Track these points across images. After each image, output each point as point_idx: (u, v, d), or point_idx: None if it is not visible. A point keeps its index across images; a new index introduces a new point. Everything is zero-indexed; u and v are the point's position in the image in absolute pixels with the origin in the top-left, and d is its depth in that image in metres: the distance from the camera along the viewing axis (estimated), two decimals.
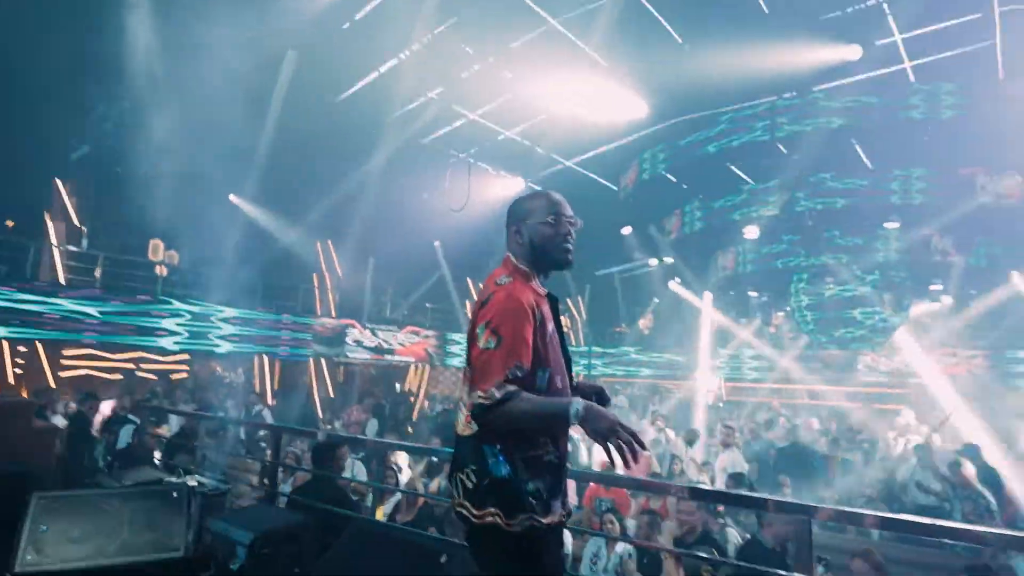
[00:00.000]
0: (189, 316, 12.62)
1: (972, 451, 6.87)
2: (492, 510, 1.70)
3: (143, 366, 13.53)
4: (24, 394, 10.23)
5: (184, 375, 14.14)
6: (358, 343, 15.10)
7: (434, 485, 6.54)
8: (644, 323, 23.61)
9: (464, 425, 1.76)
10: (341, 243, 16.46)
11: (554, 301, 1.95)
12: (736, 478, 5.47)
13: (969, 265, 15.20)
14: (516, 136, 14.15)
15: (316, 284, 16.62)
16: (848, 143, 14.26)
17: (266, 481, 4.64)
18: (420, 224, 15.71)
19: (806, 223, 15.66)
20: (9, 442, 4.46)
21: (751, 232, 16.31)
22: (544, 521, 1.75)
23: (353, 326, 15.10)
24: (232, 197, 14.40)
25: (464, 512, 1.75)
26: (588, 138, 14.29)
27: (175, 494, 3.72)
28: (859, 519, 2.95)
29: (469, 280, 21.25)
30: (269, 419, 9.48)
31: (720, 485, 6.61)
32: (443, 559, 2.65)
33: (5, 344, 10.97)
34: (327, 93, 12.26)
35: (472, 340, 1.75)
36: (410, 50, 10.79)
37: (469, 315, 1.79)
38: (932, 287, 16.06)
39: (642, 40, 10.17)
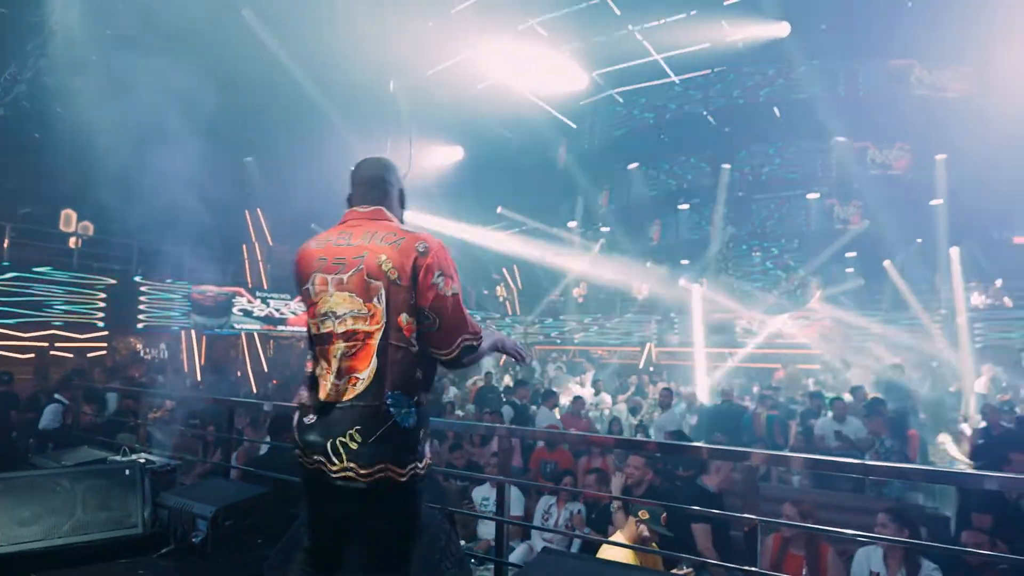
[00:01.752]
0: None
1: (878, 402, 7.60)
2: (383, 464, 1.68)
3: (57, 344, 12.75)
4: None
5: (102, 352, 13.43)
6: (246, 313, 13.83)
7: None
8: (578, 292, 24.16)
9: (351, 385, 1.71)
10: (275, 212, 15.91)
11: None
12: (676, 435, 5.84)
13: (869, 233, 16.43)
14: (455, 104, 14.00)
15: (245, 255, 16.06)
16: (771, 116, 15.01)
17: (219, 455, 4.58)
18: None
19: (735, 194, 16.42)
20: None
21: (683, 204, 16.92)
22: (429, 463, 1.82)
23: (240, 294, 13.78)
24: (157, 164, 13.59)
25: (350, 474, 1.67)
26: (530, 109, 14.36)
27: (127, 472, 3.66)
28: (788, 461, 3.27)
29: None
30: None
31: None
32: None
33: None
34: (266, 52, 11.59)
35: (426, 288, 1.73)
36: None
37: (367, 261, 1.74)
38: (847, 255, 17.22)
39: (582, 12, 10.24)
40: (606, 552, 3.36)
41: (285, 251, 16.98)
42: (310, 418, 1.77)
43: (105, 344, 13.59)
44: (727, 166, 15.63)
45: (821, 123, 14.89)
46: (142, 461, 4.12)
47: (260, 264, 16.12)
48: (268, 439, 5.16)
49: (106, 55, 9.40)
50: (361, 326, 1.73)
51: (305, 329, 1.92)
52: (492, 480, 3.30)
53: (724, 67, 13.78)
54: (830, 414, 7.18)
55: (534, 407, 8.87)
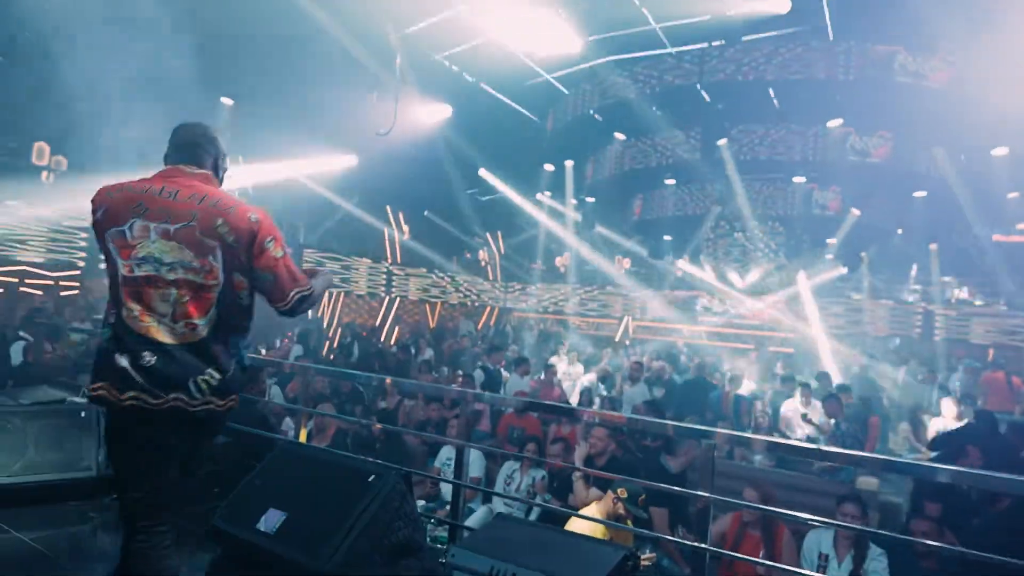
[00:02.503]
0: None
1: (841, 388, 7.77)
2: (232, 396, 2.01)
3: (28, 281, 12.45)
4: None
5: (75, 292, 13.16)
6: None
7: None
8: (561, 261, 24.13)
9: (189, 330, 1.92)
10: (254, 159, 15.50)
11: None
12: (650, 405, 5.89)
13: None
14: (445, 60, 13.62)
15: None
16: (764, 96, 14.84)
17: None
18: (339, 145, 14.98)
19: (724, 172, 16.34)
20: None
21: (670, 179, 16.81)
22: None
23: None
24: (130, 100, 13.11)
25: (211, 407, 1.94)
26: (519, 69, 14.00)
27: (83, 414, 3.59)
28: (750, 443, 3.29)
29: (388, 208, 20.76)
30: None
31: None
32: (371, 479, 2.73)
33: None
34: None
35: (259, 252, 1.98)
36: None
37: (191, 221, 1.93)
38: (828, 240, 17.36)
39: None
40: (575, 524, 3.39)
41: (265, 198, 16.66)
42: (149, 359, 1.87)
43: (78, 284, 13.31)
44: (723, 141, 15.42)
45: (810, 106, 14.80)
46: None
47: None
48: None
49: None
50: (195, 278, 1.93)
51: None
52: (452, 443, 3.29)
53: (722, 41, 13.52)
54: (797, 398, 7.31)
55: (507, 373, 8.90)
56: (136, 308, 1.89)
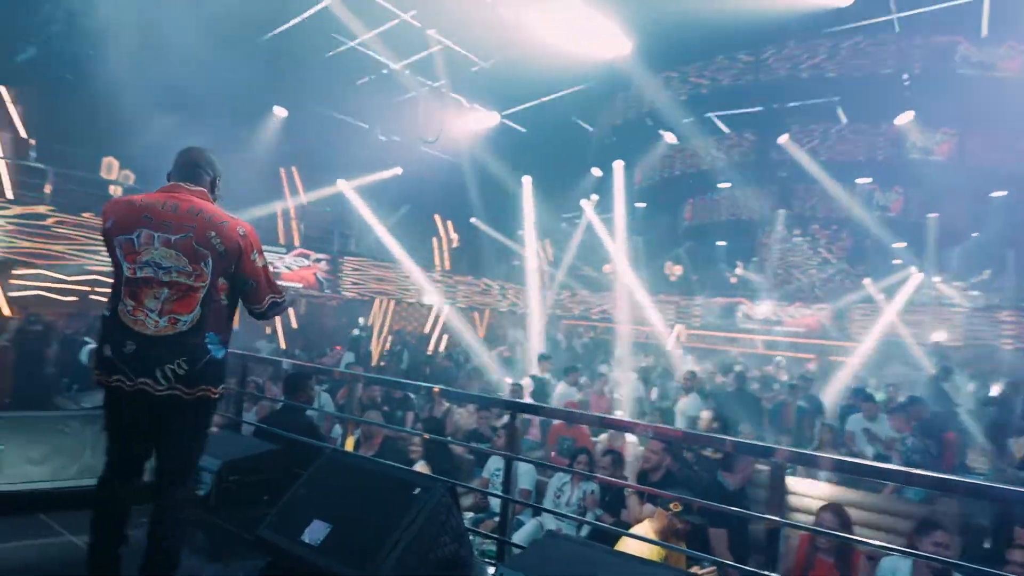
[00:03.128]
0: None
1: (913, 401, 7.26)
2: (204, 386, 2.22)
3: (98, 289, 13.05)
4: None
5: None
6: None
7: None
8: (609, 268, 23.79)
9: (171, 324, 2.17)
10: (306, 170, 15.88)
11: None
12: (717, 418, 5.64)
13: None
14: (490, 67, 13.61)
15: (279, 213, 16.12)
16: (823, 94, 14.26)
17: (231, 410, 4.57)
18: (387, 155, 15.19)
19: (779, 175, 15.76)
20: None
21: (723, 182, 16.32)
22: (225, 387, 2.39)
23: None
24: (194, 116, 13.64)
25: (177, 393, 2.17)
26: (566, 74, 13.87)
27: None
28: (819, 462, 3.05)
29: (437, 216, 20.92)
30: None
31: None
32: (417, 491, 2.65)
33: None
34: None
35: (245, 261, 2.30)
36: None
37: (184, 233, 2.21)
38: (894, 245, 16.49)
39: None
40: (627, 544, 3.22)
41: (318, 209, 17.04)
42: (128, 348, 2.15)
43: None
44: (784, 139, 14.71)
45: (873, 102, 14.10)
46: None
47: (293, 222, 16.19)
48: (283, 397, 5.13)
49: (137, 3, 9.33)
50: (186, 280, 2.19)
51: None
52: (500, 454, 3.18)
53: (781, 37, 13.04)
54: (864, 411, 6.89)
55: (555, 381, 8.75)
56: (131, 304, 2.17)
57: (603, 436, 6.28)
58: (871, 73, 13.17)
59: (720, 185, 17.06)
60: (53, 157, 12.57)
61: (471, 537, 3.15)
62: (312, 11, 11.36)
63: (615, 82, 14.87)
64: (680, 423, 7.22)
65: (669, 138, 16.96)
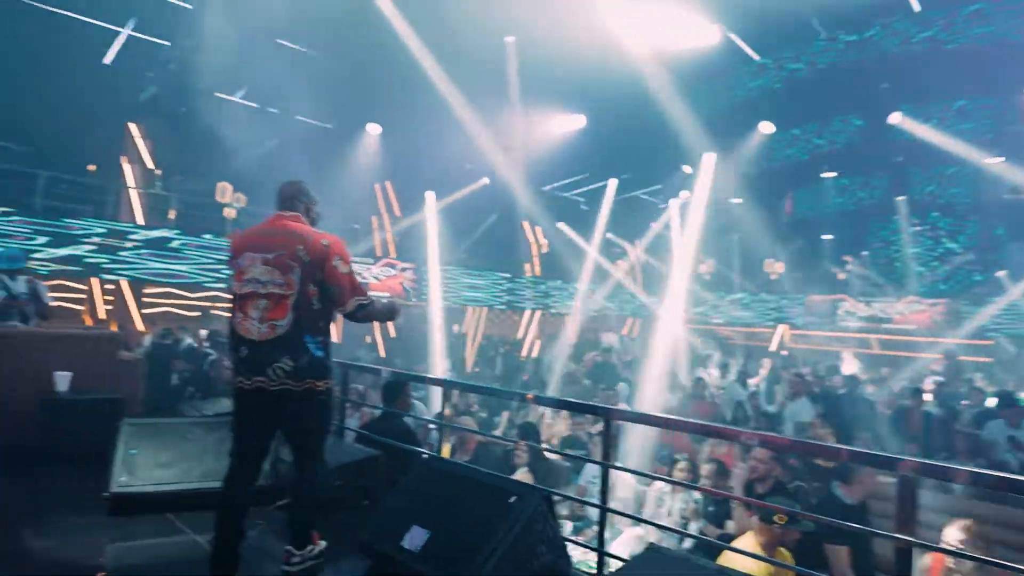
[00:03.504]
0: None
1: None
2: (309, 380, 2.54)
3: (219, 304, 14.13)
4: (113, 328, 10.88)
5: None
6: None
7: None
8: (706, 268, 22.92)
9: (271, 330, 2.52)
10: (399, 184, 16.45)
11: None
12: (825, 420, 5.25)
13: None
14: (574, 67, 13.43)
15: (375, 226, 16.79)
16: (936, 70, 12.96)
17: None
18: (477, 162, 15.39)
19: (895, 159, 14.50)
20: (100, 371, 4.72)
21: (828, 172, 15.29)
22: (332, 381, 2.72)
23: None
24: (293, 137, 14.53)
25: (288, 386, 2.51)
26: (651, 67, 13.47)
27: None
28: (955, 475, 2.74)
29: (525, 223, 20.99)
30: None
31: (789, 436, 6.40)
32: (512, 499, 2.62)
33: (96, 283, 11.61)
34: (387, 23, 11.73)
35: (330, 268, 2.58)
36: None
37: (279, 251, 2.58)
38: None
39: None
40: (728, 558, 3.04)
41: (412, 221, 17.60)
42: (243, 353, 2.56)
43: None
44: (896, 116, 13.37)
45: (993, 75, 12.65)
46: None
47: (388, 234, 16.80)
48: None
49: (243, 38, 10.02)
50: (278, 291, 2.54)
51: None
52: (596, 462, 3.10)
53: (886, 13, 12.04)
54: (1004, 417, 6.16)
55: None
56: (240, 315, 2.57)
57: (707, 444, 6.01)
58: (997, 41, 11.84)
59: (824, 174, 15.97)
60: (175, 185, 13.80)
61: (567, 547, 3.09)
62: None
63: (704, 71, 14.30)
64: (788, 430, 6.78)
65: (765, 127, 16.05)
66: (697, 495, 4.41)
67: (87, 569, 2.72)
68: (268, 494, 3.62)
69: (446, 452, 5.54)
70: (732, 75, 14.75)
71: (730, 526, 4.08)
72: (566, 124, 15.50)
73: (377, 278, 14.88)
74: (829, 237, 18.15)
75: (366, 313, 2.69)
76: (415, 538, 2.62)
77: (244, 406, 2.63)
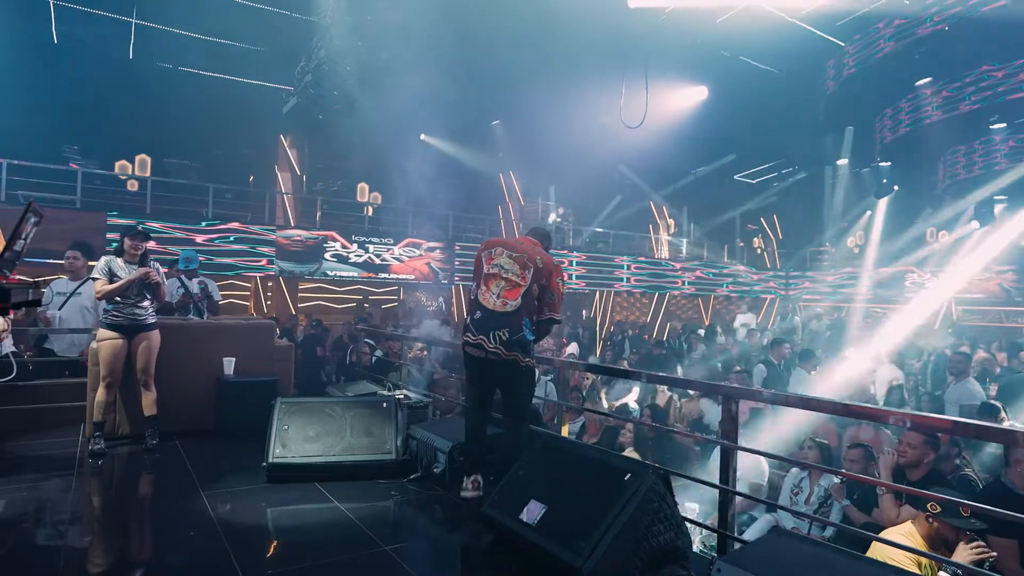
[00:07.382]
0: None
1: None
2: (514, 352, 3.29)
3: (371, 297, 15.27)
4: (272, 316, 12.14)
5: (395, 304, 15.74)
6: (340, 259, 13.00)
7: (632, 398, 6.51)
8: (854, 241, 20.96)
9: (503, 304, 3.32)
10: (522, 173, 16.70)
11: None
12: (984, 410, 4.65)
13: None
14: (700, 38, 12.76)
15: (500, 215, 17.21)
16: None
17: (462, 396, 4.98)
18: (599, 145, 15.17)
19: None
20: (261, 356, 5.33)
21: (997, 123, 13.28)
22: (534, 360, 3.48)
23: (334, 239, 13.01)
24: (423, 136, 15.24)
25: (499, 352, 3.28)
26: (783, 33, 12.48)
27: (385, 405, 4.17)
28: None
29: (652, 205, 20.42)
30: None
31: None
32: (627, 477, 2.61)
33: (258, 278, 13.01)
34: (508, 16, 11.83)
35: (550, 280, 3.40)
36: None
37: (521, 257, 3.40)
38: None
39: None
40: (878, 549, 2.81)
41: (534, 209, 17.83)
42: (477, 315, 3.38)
43: (395, 298, 15.92)
44: None
45: None
46: (400, 397, 4.67)
47: (514, 223, 17.16)
48: None
49: (369, 44, 10.63)
50: (515, 279, 3.37)
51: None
52: (718, 443, 2.98)
53: None
54: None
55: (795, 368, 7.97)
56: (483, 288, 3.40)
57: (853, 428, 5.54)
58: None
59: (994, 127, 13.86)
60: (321, 188, 15.08)
61: (691, 528, 3.02)
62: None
63: (841, 30, 13.00)
64: (951, 413, 6.06)
65: (920, 81, 14.21)
66: (838, 479, 4.08)
67: (254, 530, 3.09)
68: (403, 468, 3.92)
69: (565, 431, 5.61)
70: (879, 26, 13.22)
71: (876, 516, 3.75)
72: (689, 97, 14.78)
73: (399, 259, 13.91)
74: (1002, 199, 15.75)
75: (548, 327, 3.48)
76: (532, 512, 2.71)
77: (468, 364, 3.50)
